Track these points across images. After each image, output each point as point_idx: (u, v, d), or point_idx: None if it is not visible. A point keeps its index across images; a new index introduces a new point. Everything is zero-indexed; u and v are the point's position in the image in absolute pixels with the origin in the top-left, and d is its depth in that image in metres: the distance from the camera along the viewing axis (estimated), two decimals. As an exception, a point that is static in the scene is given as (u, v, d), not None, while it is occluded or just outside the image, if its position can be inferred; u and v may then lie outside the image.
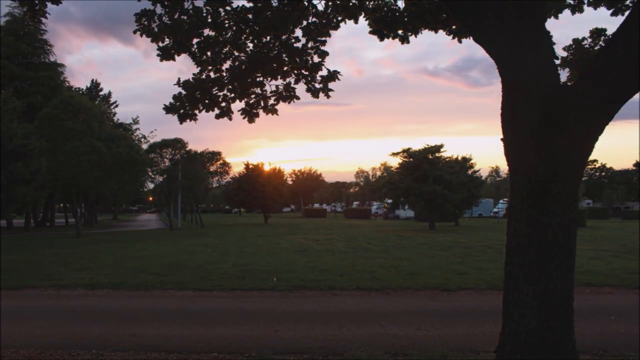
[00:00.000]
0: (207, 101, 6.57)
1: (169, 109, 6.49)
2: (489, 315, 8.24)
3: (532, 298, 4.11)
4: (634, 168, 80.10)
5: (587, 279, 12.00)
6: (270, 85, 6.78)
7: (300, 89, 6.83)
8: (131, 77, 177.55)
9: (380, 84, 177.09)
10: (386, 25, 6.61)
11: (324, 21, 6.50)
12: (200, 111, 6.64)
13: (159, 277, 13.17)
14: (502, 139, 4.42)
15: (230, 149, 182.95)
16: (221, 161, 52.26)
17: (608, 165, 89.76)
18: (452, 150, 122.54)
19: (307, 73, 6.68)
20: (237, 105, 6.86)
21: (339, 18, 6.55)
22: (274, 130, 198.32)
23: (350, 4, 6.48)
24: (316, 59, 6.63)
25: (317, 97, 6.75)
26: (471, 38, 5.35)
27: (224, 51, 6.51)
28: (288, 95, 6.82)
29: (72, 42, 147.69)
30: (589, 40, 7.04)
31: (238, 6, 6.23)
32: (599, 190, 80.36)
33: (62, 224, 49.05)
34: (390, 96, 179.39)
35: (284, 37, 6.48)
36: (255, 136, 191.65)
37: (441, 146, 39.52)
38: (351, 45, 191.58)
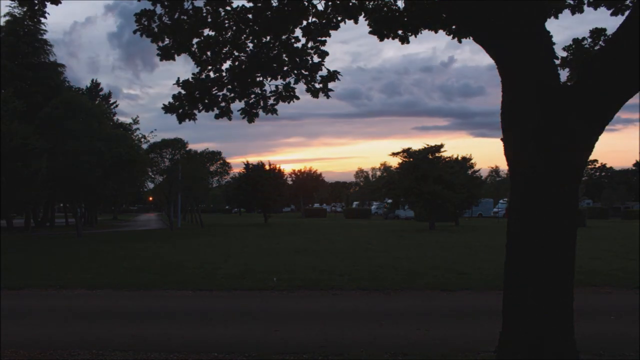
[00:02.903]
0: (206, 101, 6.57)
1: (168, 109, 6.49)
2: (489, 315, 8.22)
3: (532, 298, 4.11)
4: (634, 168, 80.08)
5: (587, 279, 11.99)
6: (270, 85, 6.78)
7: (300, 88, 6.84)
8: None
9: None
10: (386, 26, 6.61)
11: (324, 21, 6.49)
12: (199, 111, 6.63)
13: (159, 277, 13.18)
14: (502, 139, 4.42)
15: (240, 148, 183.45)
16: (221, 161, 52.30)
17: (608, 165, 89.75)
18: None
19: (307, 73, 6.67)
20: (237, 105, 6.87)
21: (339, 18, 6.54)
22: (275, 130, 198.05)
23: (350, 4, 6.48)
24: (316, 59, 6.63)
25: (317, 97, 6.74)
26: (471, 38, 5.35)
27: (224, 51, 6.51)
28: (288, 95, 6.81)
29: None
30: (589, 40, 7.04)
31: (238, 6, 6.23)
32: (599, 190, 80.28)
33: (62, 224, 49.03)
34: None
35: (284, 37, 6.47)
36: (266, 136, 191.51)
37: (441, 146, 39.55)
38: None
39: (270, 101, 6.86)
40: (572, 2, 6.61)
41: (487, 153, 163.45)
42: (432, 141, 60.33)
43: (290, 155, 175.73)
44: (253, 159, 75.93)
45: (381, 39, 6.70)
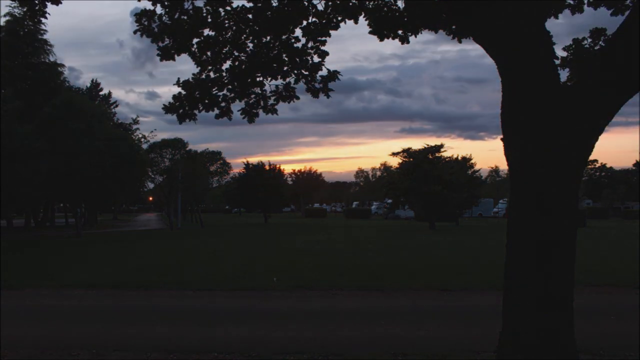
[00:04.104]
0: (206, 101, 6.57)
1: (168, 109, 6.49)
2: (489, 315, 8.21)
3: (532, 298, 4.11)
4: (634, 168, 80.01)
5: (587, 279, 11.96)
6: (270, 85, 6.78)
7: (300, 88, 6.84)
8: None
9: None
10: (386, 26, 6.61)
11: (324, 21, 6.49)
12: (200, 111, 6.64)
13: (159, 277, 13.17)
14: (502, 139, 4.42)
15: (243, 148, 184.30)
16: (221, 161, 52.32)
17: (608, 165, 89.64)
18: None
19: (307, 73, 6.67)
20: (237, 105, 6.87)
21: (339, 18, 6.54)
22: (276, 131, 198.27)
23: (350, 4, 6.47)
24: (316, 59, 6.63)
25: (317, 97, 6.74)
26: (471, 38, 5.35)
27: (224, 51, 6.51)
28: (288, 95, 6.81)
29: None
30: (589, 40, 7.03)
31: (238, 6, 6.23)
32: (599, 190, 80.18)
33: (62, 224, 49.03)
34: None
35: (284, 37, 6.47)
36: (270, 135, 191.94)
37: (441, 146, 39.61)
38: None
39: (271, 101, 6.86)
40: (572, 2, 6.61)
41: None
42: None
43: (296, 155, 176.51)
44: (260, 159, 75.33)
45: (381, 39, 6.69)
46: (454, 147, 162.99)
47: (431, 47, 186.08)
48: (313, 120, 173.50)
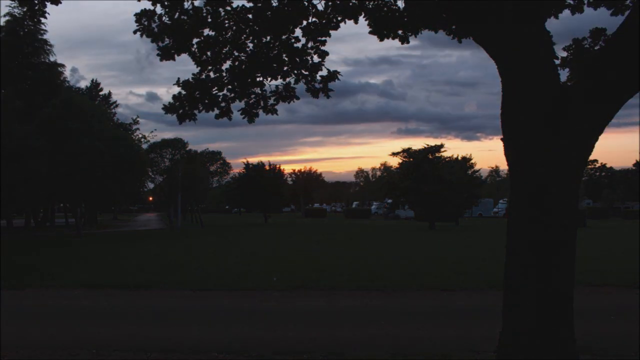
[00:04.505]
0: (206, 101, 6.57)
1: (168, 109, 6.49)
2: (489, 315, 8.21)
3: (532, 298, 4.11)
4: (634, 168, 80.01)
5: (587, 279, 11.96)
6: (270, 85, 6.78)
7: (300, 89, 6.84)
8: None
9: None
10: (386, 26, 6.60)
11: (324, 21, 6.49)
12: (200, 111, 6.64)
13: (159, 277, 13.17)
14: (502, 139, 4.42)
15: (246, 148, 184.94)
16: (221, 161, 52.33)
17: (608, 165, 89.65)
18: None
19: (307, 73, 6.67)
20: (237, 105, 6.87)
21: (339, 18, 6.54)
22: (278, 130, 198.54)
23: (350, 4, 6.47)
24: (316, 58, 6.63)
25: (317, 97, 6.74)
26: (471, 38, 5.35)
27: (224, 51, 6.51)
28: (288, 95, 6.81)
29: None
30: (589, 40, 7.02)
31: (238, 6, 6.23)
32: (599, 190, 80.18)
33: (62, 224, 49.00)
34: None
35: (284, 37, 6.47)
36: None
37: (441, 146, 39.63)
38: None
39: (270, 101, 6.86)
40: (572, 2, 6.61)
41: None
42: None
43: (299, 155, 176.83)
44: (262, 159, 74.99)
45: (381, 39, 6.68)
46: (452, 147, 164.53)
47: (424, 52, 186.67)
48: (312, 122, 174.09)
